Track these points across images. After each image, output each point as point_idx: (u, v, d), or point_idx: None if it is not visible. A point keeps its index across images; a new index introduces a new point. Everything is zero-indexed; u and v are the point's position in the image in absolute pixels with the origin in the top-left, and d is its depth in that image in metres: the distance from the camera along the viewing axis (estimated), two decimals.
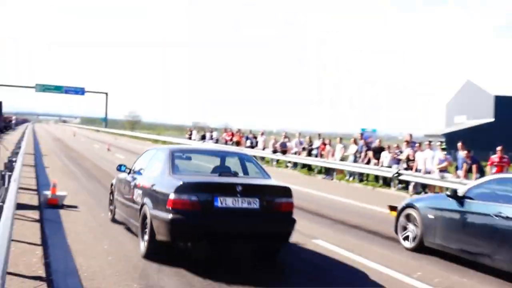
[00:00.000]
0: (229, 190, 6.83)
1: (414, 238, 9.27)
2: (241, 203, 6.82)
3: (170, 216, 6.74)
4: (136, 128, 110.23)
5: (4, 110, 31.08)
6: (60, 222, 9.96)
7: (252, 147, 34.19)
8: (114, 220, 10.03)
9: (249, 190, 6.91)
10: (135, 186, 8.27)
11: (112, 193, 10.11)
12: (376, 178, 22.32)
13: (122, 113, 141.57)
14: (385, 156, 21.84)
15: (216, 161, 8.48)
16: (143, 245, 7.50)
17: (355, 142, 24.39)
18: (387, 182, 21.38)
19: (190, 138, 46.35)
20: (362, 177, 22.98)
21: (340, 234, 10.59)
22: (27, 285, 6.08)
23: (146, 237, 7.37)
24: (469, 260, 8.25)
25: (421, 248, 9.13)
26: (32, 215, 10.39)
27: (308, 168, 27.29)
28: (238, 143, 36.32)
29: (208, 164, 8.60)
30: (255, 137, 34.85)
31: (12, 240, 6.53)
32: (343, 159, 24.83)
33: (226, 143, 38.59)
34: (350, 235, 10.55)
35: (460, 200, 8.39)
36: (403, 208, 9.61)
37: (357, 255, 8.76)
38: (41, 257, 7.31)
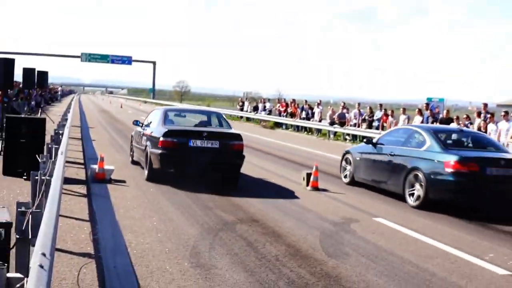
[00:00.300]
0: (198, 135, 10.76)
1: (349, 175, 13.21)
2: (206, 144, 10.70)
3: (159, 151, 10.83)
4: (185, 99, 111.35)
5: (49, 80, 31.95)
6: (108, 197, 10.22)
7: (307, 118, 34.05)
8: (133, 162, 14.16)
9: (212, 136, 10.82)
10: (143, 134, 12.44)
11: (131, 142, 14.42)
12: None
13: (170, 83, 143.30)
14: None
15: (204, 118, 12.86)
16: (146, 173, 11.79)
17: (420, 113, 23.93)
18: None
19: (242, 109, 46.53)
20: None
21: (403, 212, 10.47)
22: (75, 261, 6.27)
23: (147, 167, 11.60)
24: (376, 186, 12.21)
25: (353, 182, 13.04)
26: (79, 190, 10.69)
27: None
28: (292, 115, 36.23)
29: (196, 120, 12.98)
30: (311, 108, 34.66)
31: (60, 216, 6.72)
32: None
33: (280, 114, 38.55)
34: (414, 213, 10.41)
35: (374, 145, 12.38)
36: (344, 154, 13.63)
37: (422, 234, 8.66)
38: (89, 233, 7.53)
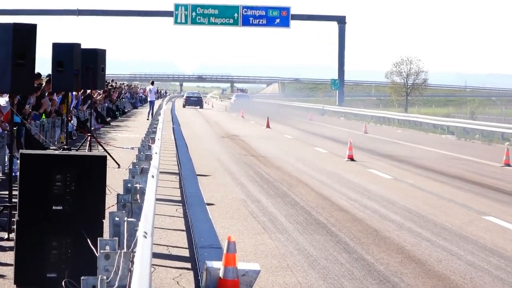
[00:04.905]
0: (192, 98, 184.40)
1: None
2: (193, 98, 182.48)
3: (184, 101, 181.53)
4: (420, 102, 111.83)
5: (115, 70, 33.27)
6: None
7: None
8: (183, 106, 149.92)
9: (195, 97, 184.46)
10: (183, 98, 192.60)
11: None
12: None
13: (377, 68, 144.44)
14: None
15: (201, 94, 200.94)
16: (181, 106, 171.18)
17: None
18: None
19: None
20: None
21: None
22: None
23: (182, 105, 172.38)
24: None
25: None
26: None
27: None
28: None
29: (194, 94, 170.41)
30: None
31: None
32: None
33: None
34: None
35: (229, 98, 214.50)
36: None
37: None
38: None
